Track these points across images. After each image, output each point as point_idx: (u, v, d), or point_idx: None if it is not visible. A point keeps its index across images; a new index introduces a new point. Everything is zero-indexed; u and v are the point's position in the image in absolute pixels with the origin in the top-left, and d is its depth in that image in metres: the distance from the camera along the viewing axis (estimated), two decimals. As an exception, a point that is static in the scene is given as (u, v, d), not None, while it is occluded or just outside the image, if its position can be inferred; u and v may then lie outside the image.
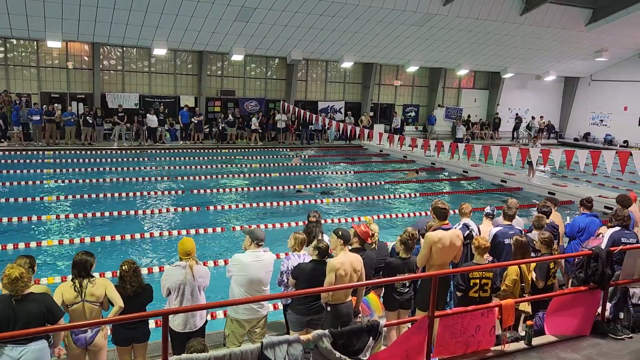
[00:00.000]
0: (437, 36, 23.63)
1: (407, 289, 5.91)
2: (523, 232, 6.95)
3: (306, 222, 6.79)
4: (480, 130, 29.65)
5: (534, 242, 6.29)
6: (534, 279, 5.87)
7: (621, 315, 5.67)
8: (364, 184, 16.50)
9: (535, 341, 5.31)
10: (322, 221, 11.83)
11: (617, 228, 6.88)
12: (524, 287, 5.78)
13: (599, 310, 5.67)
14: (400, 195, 15.24)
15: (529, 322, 5.34)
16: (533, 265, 5.91)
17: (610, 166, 13.69)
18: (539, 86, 32.36)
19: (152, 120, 21.44)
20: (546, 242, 6.04)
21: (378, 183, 16.88)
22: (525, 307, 5.69)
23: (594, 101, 31.94)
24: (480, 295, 5.47)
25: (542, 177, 18.37)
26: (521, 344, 5.25)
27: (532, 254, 6.23)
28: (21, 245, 9.41)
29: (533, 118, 30.50)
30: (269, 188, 15.24)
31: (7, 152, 18.21)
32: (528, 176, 17.41)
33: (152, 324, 5.88)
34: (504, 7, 22.17)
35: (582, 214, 7.80)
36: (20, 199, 12.59)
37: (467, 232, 6.66)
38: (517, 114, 30.80)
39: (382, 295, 6.25)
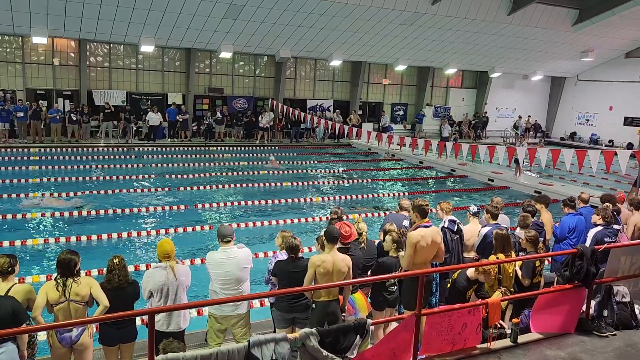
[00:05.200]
0: (425, 35, 23.72)
1: (396, 287, 5.93)
2: (509, 229, 7.00)
3: (328, 217, 6.74)
4: (468, 129, 29.83)
5: (520, 240, 6.34)
6: (520, 277, 5.91)
7: (605, 312, 5.74)
8: (352, 182, 16.52)
9: (521, 339, 5.36)
10: (311, 219, 11.92)
11: (600, 228, 6.97)
12: (500, 279, 5.81)
13: (584, 308, 5.73)
14: (388, 194, 15.29)
15: (514, 320, 5.39)
16: (519, 263, 5.96)
17: (595, 165, 13.85)
18: (526, 86, 32.64)
19: (153, 118, 21.26)
20: (532, 240, 6.10)
21: (366, 181, 16.91)
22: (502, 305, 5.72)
23: (580, 101, 32.29)
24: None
25: (529, 176, 18.54)
26: (507, 342, 5.30)
27: (521, 253, 6.29)
28: (6, 244, 9.28)
29: (520, 117, 30.77)
30: (257, 185, 15.20)
31: (-9, 149, 17.96)
32: (515, 175, 17.56)
33: (137, 322, 5.83)
34: (492, 7, 22.31)
35: (568, 214, 7.86)
36: (5, 196, 12.44)
37: (456, 227, 6.70)
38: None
39: (369, 294, 6.26)
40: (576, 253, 5.55)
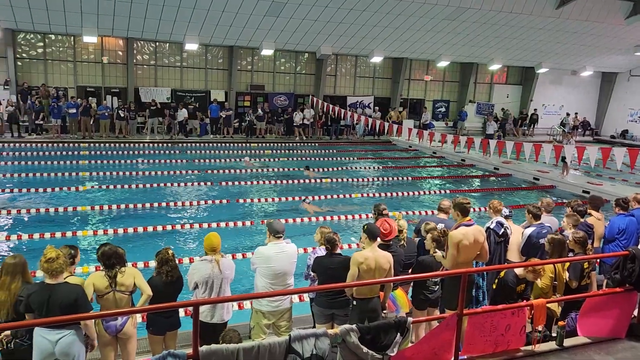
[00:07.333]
0: (469, 30, 23.24)
1: (437, 287, 5.85)
2: (557, 231, 6.77)
3: (374, 214, 6.68)
4: (515, 126, 29.05)
5: (567, 242, 6.14)
6: (567, 279, 5.73)
7: (658, 318, 5.49)
8: (392, 180, 16.41)
9: (567, 342, 5.20)
10: (350, 217, 11.91)
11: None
12: (555, 285, 5.65)
13: (635, 312, 5.51)
14: (428, 192, 15.09)
15: (560, 323, 5.23)
16: (567, 264, 5.77)
17: (649, 165, 13.24)
18: (574, 82, 31.51)
19: (181, 114, 21.82)
20: (580, 241, 5.89)
21: (406, 179, 16.75)
22: (554, 307, 5.55)
23: (633, 97, 30.89)
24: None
25: (576, 175, 17.91)
26: (552, 345, 5.15)
27: (569, 254, 6.08)
28: (57, 235, 9.70)
29: (568, 115, 29.74)
30: (296, 182, 15.31)
31: (44, 144, 18.78)
32: (562, 174, 17.00)
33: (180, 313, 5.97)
34: (539, 0, 21.63)
35: (619, 215, 7.55)
36: (57, 189, 13.00)
37: (502, 230, 6.50)
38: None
39: (409, 292, 6.21)
40: (628, 255, 5.34)
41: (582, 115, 30.89)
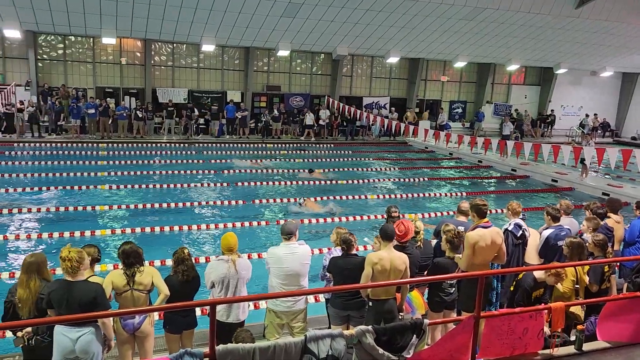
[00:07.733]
0: (486, 30, 23.05)
1: (453, 289, 5.81)
2: (577, 233, 6.68)
3: (385, 216, 6.69)
4: (533, 127, 28.72)
5: (587, 245, 6.05)
6: (588, 283, 5.64)
7: (681, 323, 5.37)
8: (407, 181, 16.33)
9: (586, 347, 5.12)
10: (366, 217, 11.88)
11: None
12: (577, 289, 5.57)
13: (657, 317, 5.40)
14: (445, 194, 14.99)
15: (579, 327, 5.15)
16: (586, 268, 5.68)
17: (671, 167, 12.99)
18: (594, 82, 31.05)
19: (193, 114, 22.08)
20: (600, 244, 5.80)
21: (422, 179, 16.66)
22: (578, 311, 5.46)
23: (655, 98, 30.43)
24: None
25: (596, 177, 17.64)
26: (571, 349, 5.07)
27: (589, 258, 5.99)
28: (76, 234, 9.84)
29: (587, 116, 29.33)
30: (312, 183, 15.32)
31: (64, 144, 19.07)
32: (581, 176, 16.76)
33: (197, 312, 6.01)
34: (558, 0, 21.35)
35: (638, 217, 7.42)
36: (76, 188, 13.18)
37: (520, 232, 6.42)
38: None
39: (424, 294, 6.17)
40: (649, 259, 5.24)
41: (602, 117, 30.42)
